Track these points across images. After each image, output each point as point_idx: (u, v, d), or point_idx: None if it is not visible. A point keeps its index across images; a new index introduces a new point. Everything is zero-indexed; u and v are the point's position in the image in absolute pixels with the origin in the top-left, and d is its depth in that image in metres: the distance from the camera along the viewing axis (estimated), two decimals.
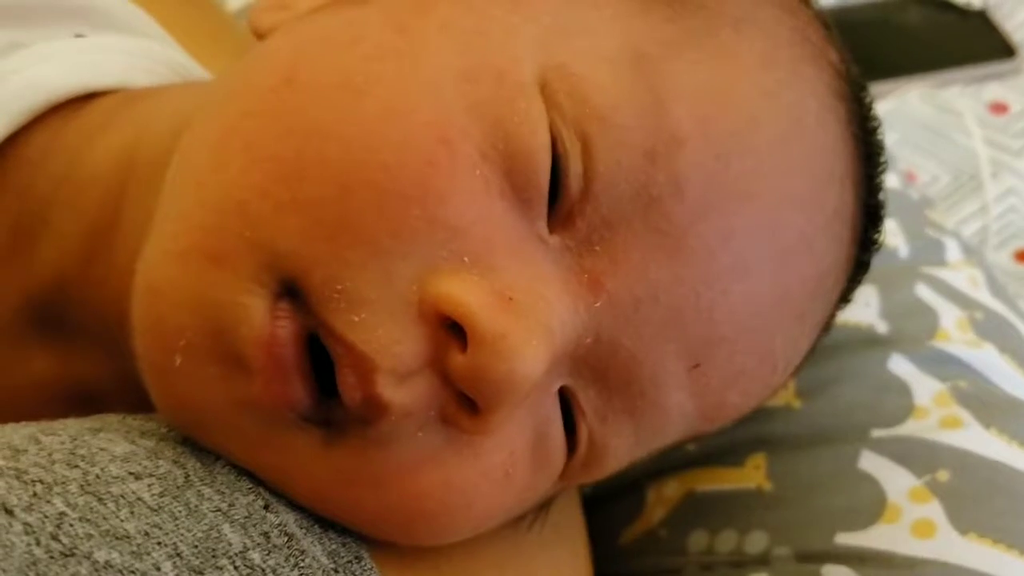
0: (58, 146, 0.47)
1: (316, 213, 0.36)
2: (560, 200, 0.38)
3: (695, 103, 0.39)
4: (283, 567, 0.36)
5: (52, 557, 0.30)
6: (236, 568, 0.35)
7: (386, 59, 0.38)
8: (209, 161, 0.38)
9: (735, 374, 0.42)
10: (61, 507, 0.32)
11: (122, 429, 0.39)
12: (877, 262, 0.64)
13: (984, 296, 0.66)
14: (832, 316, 0.49)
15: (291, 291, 0.36)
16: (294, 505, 0.39)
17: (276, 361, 0.36)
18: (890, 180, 0.71)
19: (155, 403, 0.39)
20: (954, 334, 0.62)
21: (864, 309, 0.63)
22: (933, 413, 0.58)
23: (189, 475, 0.37)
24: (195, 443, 0.39)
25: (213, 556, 0.34)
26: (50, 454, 0.35)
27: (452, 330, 0.36)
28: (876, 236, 0.49)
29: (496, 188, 0.37)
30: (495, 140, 0.37)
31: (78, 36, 0.51)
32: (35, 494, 0.32)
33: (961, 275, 0.67)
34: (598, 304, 0.38)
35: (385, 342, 0.36)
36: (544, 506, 0.48)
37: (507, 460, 0.40)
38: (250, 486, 0.38)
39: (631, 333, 0.39)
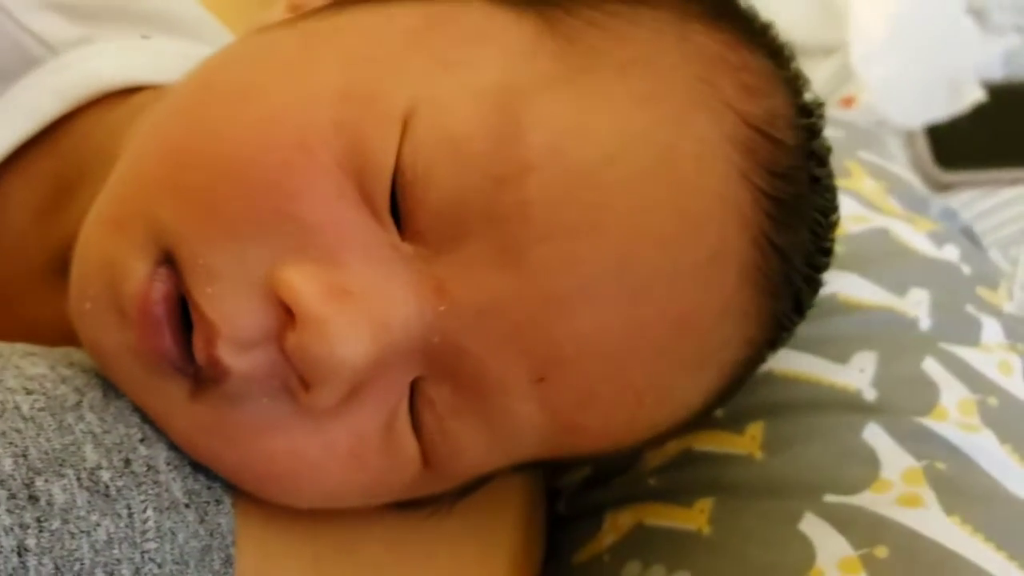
0: (101, 128, 0.55)
1: (190, 197, 0.42)
2: (407, 217, 0.41)
3: (551, 135, 0.41)
4: (131, 490, 0.41)
5: None
6: (79, 479, 0.40)
7: (282, 73, 0.43)
8: (138, 146, 0.46)
9: (586, 397, 0.43)
10: None
11: (57, 357, 0.46)
12: (886, 330, 0.62)
13: (1013, 384, 0.62)
14: (746, 363, 0.49)
15: (169, 260, 0.42)
16: (175, 446, 0.44)
17: (146, 315, 0.42)
18: (947, 252, 0.68)
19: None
20: (952, 414, 0.59)
21: (856, 374, 0.60)
22: (895, 488, 0.55)
23: (81, 402, 0.43)
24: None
25: (60, 465, 0.40)
26: None
27: (291, 313, 0.40)
28: (794, 289, 0.48)
29: (351, 196, 0.41)
30: (353, 155, 0.41)
31: (144, 37, 0.59)
32: None
33: (991, 358, 0.63)
34: (442, 308, 0.41)
35: (229, 313, 0.41)
36: (451, 498, 0.51)
37: (355, 442, 0.43)
38: (138, 421, 0.44)
39: (475, 339, 0.42)
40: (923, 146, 1.16)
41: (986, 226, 1.09)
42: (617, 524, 0.61)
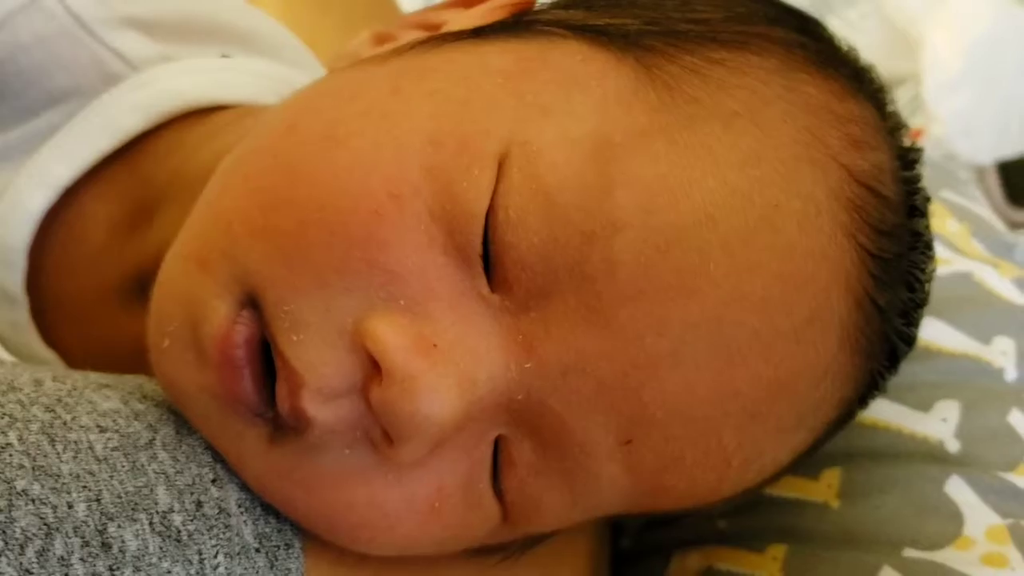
0: (179, 146, 0.53)
1: (278, 241, 0.39)
2: (496, 266, 0.38)
3: (643, 193, 0.38)
4: (202, 534, 0.39)
5: None
6: (151, 524, 0.38)
7: (370, 116, 0.41)
8: (220, 183, 0.43)
9: (673, 459, 0.41)
10: (12, 439, 0.37)
11: (131, 390, 0.43)
12: (971, 379, 0.58)
13: None
14: (837, 421, 0.46)
15: (254, 303, 0.39)
16: (246, 486, 0.42)
17: (226, 358, 0.40)
18: None
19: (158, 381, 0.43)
20: None
21: (939, 424, 0.57)
22: (979, 547, 0.51)
23: (155, 440, 0.41)
24: None
25: (133, 509, 0.38)
26: (38, 396, 0.39)
27: (377, 365, 0.38)
28: (890, 346, 0.45)
29: (440, 244, 0.38)
30: (444, 201, 0.38)
31: (223, 56, 0.56)
32: None
33: None
34: (528, 365, 0.39)
35: (315, 362, 0.38)
36: (522, 546, 0.48)
37: (434, 494, 0.41)
38: (210, 460, 0.42)
39: (559, 399, 0.39)
40: (994, 182, 1.12)
41: None
42: (685, 566, 0.57)
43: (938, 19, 1.11)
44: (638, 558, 0.60)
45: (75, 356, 0.55)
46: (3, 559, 0.33)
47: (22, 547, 0.34)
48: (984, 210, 0.74)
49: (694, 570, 0.57)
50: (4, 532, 0.34)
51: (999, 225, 0.74)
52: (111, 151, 0.52)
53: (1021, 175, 1.11)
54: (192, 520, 0.39)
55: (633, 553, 0.61)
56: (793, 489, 0.56)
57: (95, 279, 0.54)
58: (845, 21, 1.20)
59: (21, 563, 0.34)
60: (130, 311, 0.54)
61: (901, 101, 1.13)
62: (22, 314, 0.54)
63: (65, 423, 0.39)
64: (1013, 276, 0.65)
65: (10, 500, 0.35)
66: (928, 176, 0.73)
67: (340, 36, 0.67)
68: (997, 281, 0.64)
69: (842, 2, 1.22)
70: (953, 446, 0.56)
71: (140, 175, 0.53)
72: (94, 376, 0.44)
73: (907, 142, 0.47)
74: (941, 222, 0.68)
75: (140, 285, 0.54)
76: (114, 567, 0.36)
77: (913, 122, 1.13)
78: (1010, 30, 1.12)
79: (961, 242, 0.67)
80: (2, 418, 0.37)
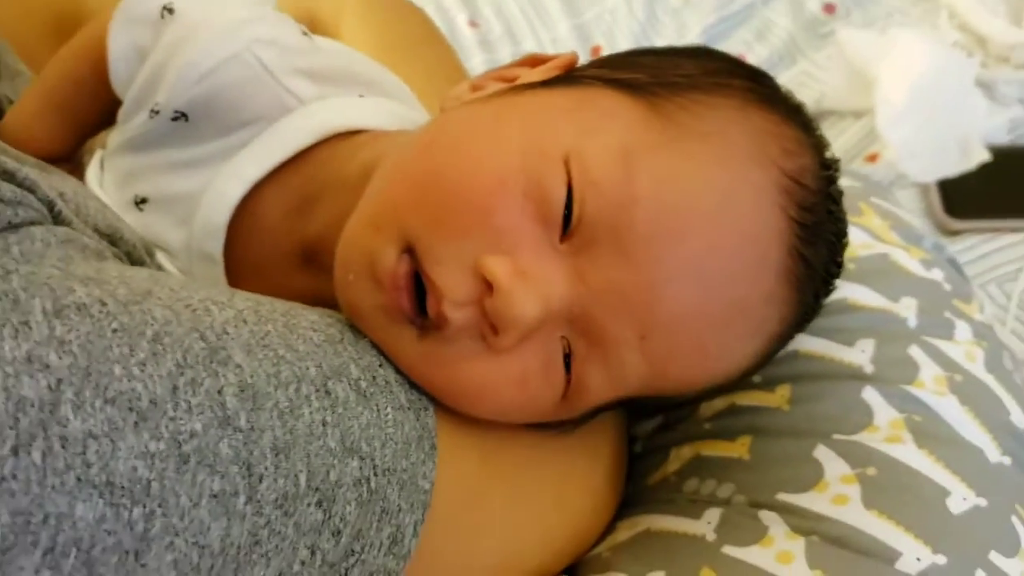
0: (334, 157, 0.74)
1: (427, 212, 0.60)
2: (567, 226, 0.60)
3: (654, 181, 0.59)
4: (377, 394, 0.61)
5: (257, 344, 0.57)
6: (350, 384, 0.60)
7: (483, 134, 0.63)
8: (388, 176, 0.65)
9: (673, 351, 0.61)
10: (270, 329, 0.59)
11: (321, 311, 0.66)
12: (883, 325, 0.80)
13: (975, 368, 0.79)
14: (783, 333, 0.67)
15: (410, 250, 0.61)
16: (398, 370, 0.64)
17: (394, 284, 0.61)
18: (933, 273, 0.86)
19: (339, 304, 0.66)
20: (928, 385, 0.76)
21: (859, 354, 0.77)
22: (883, 431, 0.73)
23: (344, 338, 0.63)
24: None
25: (339, 375, 0.60)
26: (273, 309, 0.62)
27: (489, 285, 0.59)
28: (815, 287, 0.66)
29: (530, 214, 0.60)
30: (533, 187, 0.60)
31: (360, 96, 0.79)
32: (257, 321, 0.59)
33: (960, 349, 0.80)
34: (581, 288, 0.60)
35: (451, 284, 0.59)
36: (569, 425, 0.69)
37: (522, 371, 0.62)
38: (376, 353, 0.63)
39: (600, 309, 0.60)
40: (935, 197, 1.28)
41: (987, 265, 1.24)
42: (680, 455, 0.79)
43: (887, 61, 1.29)
44: (647, 456, 0.82)
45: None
46: (280, 392, 0.56)
47: (286, 387, 0.56)
48: (902, 211, 0.97)
49: (687, 458, 0.78)
50: (276, 379, 0.56)
51: (914, 222, 0.96)
52: (286, 159, 0.73)
53: (957, 191, 1.27)
54: (371, 385, 0.61)
55: (643, 454, 0.82)
56: (757, 399, 0.77)
57: (273, 247, 0.75)
58: (814, 63, 1.41)
59: (288, 395, 0.56)
60: (293, 273, 0.76)
61: (860, 131, 1.35)
62: (220, 272, 0.76)
63: (293, 325, 0.61)
64: (919, 257, 0.88)
65: (278, 361, 0.57)
66: (863, 187, 0.97)
67: (423, 81, 0.91)
68: (907, 260, 0.86)
69: (811, 47, 1.41)
70: (869, 369, 0.76)
71: (306, 176, 0.74)
72: (300, 304, 0.66)
73: (828, 154, 0.69)
74: (869, 218, 0.91)
75: (303, 255, 0.75)
76: (333, 406, 0.58)
77: (871, 148, 1.34)
78: (946, 70, 1.30)
79: (882, 233, 0.89)
80: (261, 317, 0.60)
